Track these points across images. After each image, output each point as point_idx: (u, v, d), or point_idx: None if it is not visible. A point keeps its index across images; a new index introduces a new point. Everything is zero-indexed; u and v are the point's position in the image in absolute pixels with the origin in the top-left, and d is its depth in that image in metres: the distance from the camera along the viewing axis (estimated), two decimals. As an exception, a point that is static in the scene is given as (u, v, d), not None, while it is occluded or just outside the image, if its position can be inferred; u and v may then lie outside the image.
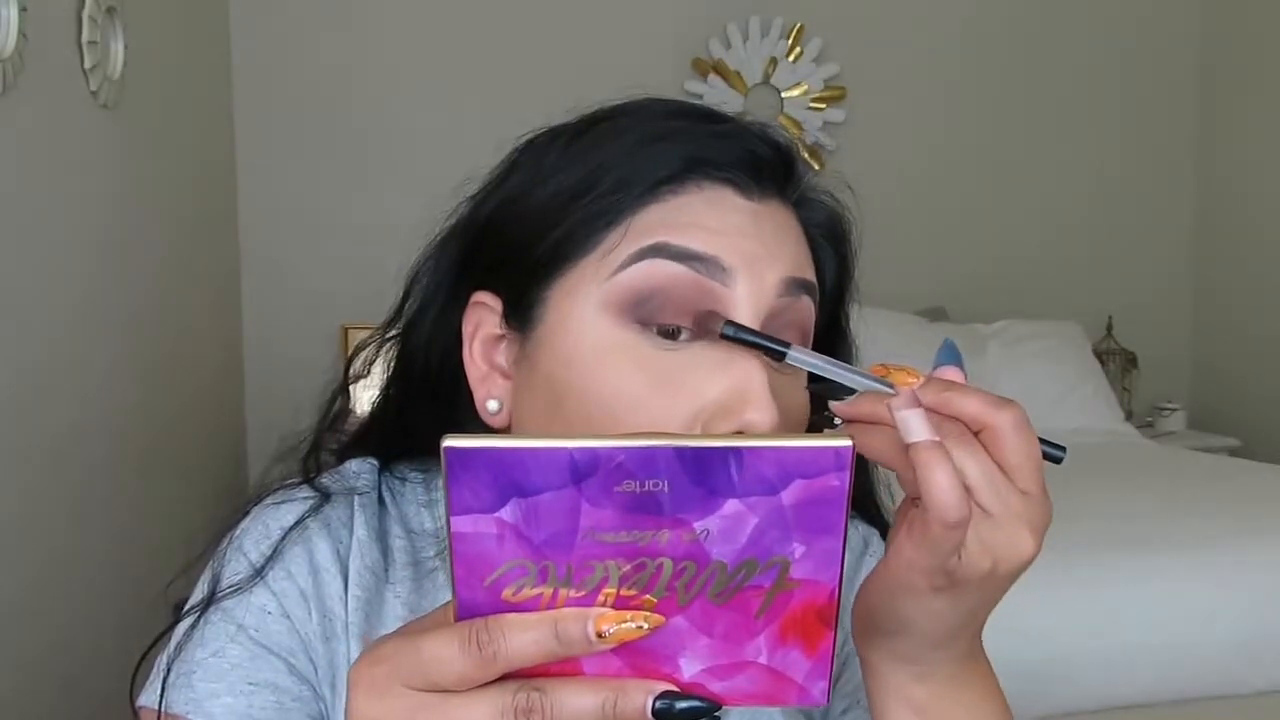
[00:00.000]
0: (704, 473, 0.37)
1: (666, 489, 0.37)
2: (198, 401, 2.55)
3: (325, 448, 0.68)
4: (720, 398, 0.55)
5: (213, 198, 2.78)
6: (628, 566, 0.38)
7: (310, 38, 2.98)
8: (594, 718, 0.38)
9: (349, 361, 0.69)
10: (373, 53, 3.02)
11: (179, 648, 0.59)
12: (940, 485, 0.44)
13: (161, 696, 0.58)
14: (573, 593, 0.38)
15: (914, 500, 0.47)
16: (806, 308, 0.59)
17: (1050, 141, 3.51)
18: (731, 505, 0.37)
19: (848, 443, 0.37)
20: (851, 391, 0.51)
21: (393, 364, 0.68)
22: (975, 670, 0.53)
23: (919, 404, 0.46)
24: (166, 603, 1.04)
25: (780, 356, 0.53)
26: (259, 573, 0.60)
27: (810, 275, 0.60)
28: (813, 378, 0.52)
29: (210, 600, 0.59)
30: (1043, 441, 0.49)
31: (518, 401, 0.61)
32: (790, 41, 3.26)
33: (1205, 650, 1.82)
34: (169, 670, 0.58)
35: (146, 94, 2.13)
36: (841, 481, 0.37)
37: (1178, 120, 3.64)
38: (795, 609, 0.39)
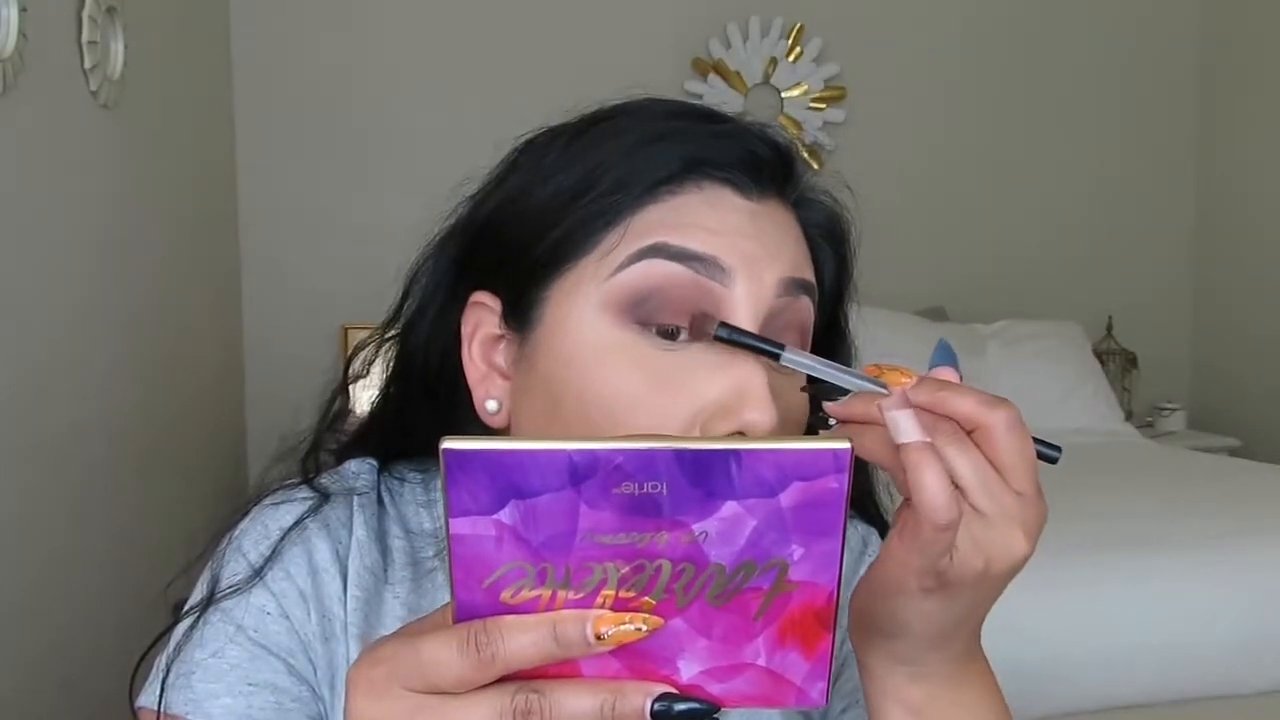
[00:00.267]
0: (702, 475, 0.37)
1: (665, 491, 0.37)
2: (198, 401, 2.55)
3: (325, 448, 0.68)
4: (720, 398, 0.55)
5: (213, 198, 2.78)
6: (626, 568, 0.38)
7: (310, 38, 2.98)
8: (592, 719, 0.38)
9: (348, 361, 0.69)
10: (373, 53, 3.02)
11: (178, 648, 0.59)
12: (930, 487, 0.44)
13: (161, 697, 0.58)
14: (571, 594, 0.38)
15: (906, 497, 0.47)
16: (805, 308, 0.59)
17: (1050, 141, 3.51)
18: (730, 507, 0.37)
19: (846, 445, 0.37)
20: (846, 392, 0.51)
21: (392, 364, 0.68)
22: (972, 670, 0.53)
23: (910, 405, 0.46)
24: (166, 603, 1.04)
25: (775, 358, 0.53)
26: (258, 573, 0.60)
27: (809, 275, 0.60)
28: (812, 380, 0.52)
29: (209, 601, 0.59)
30: (1037, 441, 0.49)
31: (517, 402, 0.61)
32: (790, 41, 3.26)
33: (1205, 650, 1.82)
34: (168, 671, 0.58)
35: (146, 94, 2.13)
36: (840, 484, 0.37)
37: (1178, 120, 3.64)
38: (794, 611, 0.39)
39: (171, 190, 2.37)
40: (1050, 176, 3.52)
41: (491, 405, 0.62)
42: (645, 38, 3.15)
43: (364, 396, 0.70)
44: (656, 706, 0.39)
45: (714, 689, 0.40)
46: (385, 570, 0.63)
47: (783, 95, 3.28)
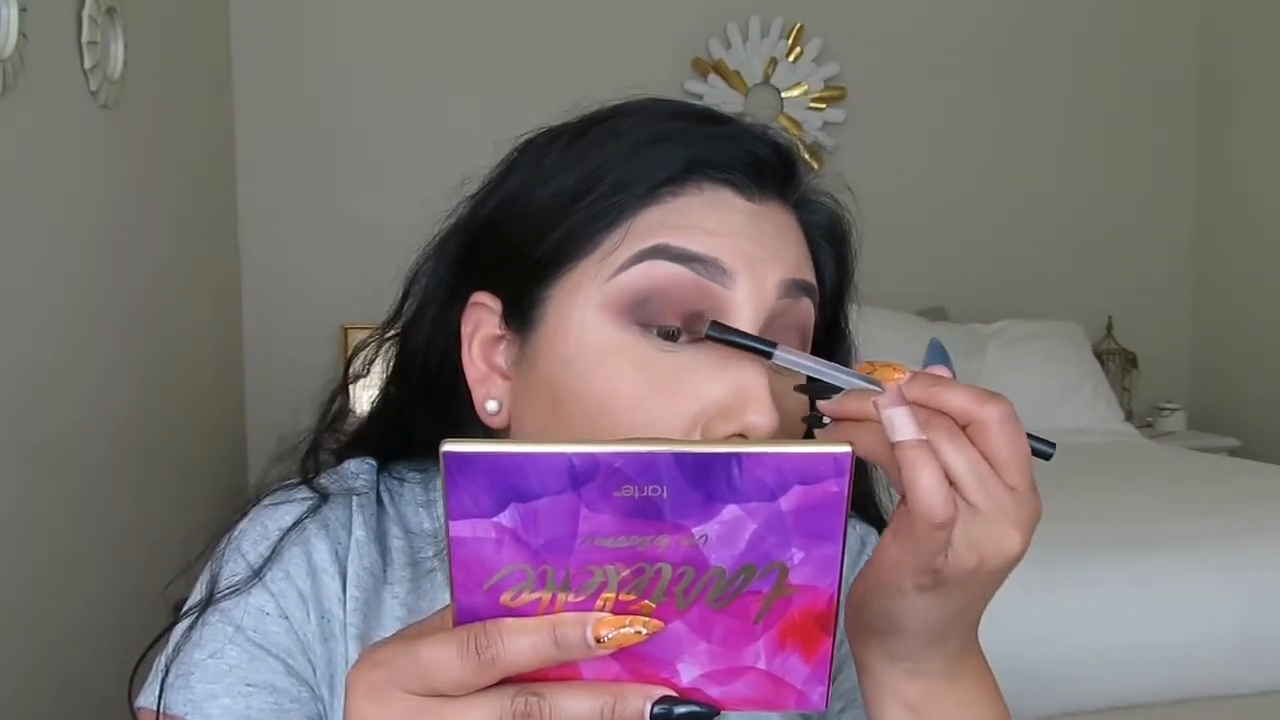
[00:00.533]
0: (703, 478, 0.37)
1: (665, 494, 0.37)
2: (198, 401, 2.55)
3: (325, 448, 0.68)
4: (721, 399, 0.55)
5: (213, 198, 2.78)
6: (626, 571, 0.38)
7: (310, 38, 2.98)
8: None
9: (349, 361, 0.69)
10: (372, 52, 3.02)
11: (177, 649, 0.59)
12: (924, 485, 0.44)
13: (160, 697, 0.58)
14: (571, 597, 0.38)
15: (901, 495, 0.47)
16: (806, 309, 0.59)
17: (1050, 141, 3.51)
18: (730, 511, 0.37)
19: (847, 449, 0.37)
20: (841, 391, 0.51)
21: (392, 364, 0.68)
22: (969, 667, 0.53)
23: (904, 401, 0.46)
24: (166, 603, 1.04)
25: (767, 357, 0.53)
26: (257, 574, 0.59)
27: (810, 277, 0.60)
28: (811, 380, 0.52)
29: (208, 601, 0.59)
30: (1031, 438, 0.48)
31: (517, 402, 0.61)
32: (790, 41, 3.26)
33: (1205, 650, 1.82)
34: (167, 671, 0.58)
35: (146, 94, 2.13)
36: (840, 487, 0.37)
37: (1178, 120, 3.64)
38: (794, 614, 0.39)
39: (171, 190, 2.37)
40: (1050, 176, 3.52)
41: (492, 406, 0.62)
42: (645, 38, 3.15)
43: (364, 396, 0.70)
44: (656, 709, 0.39)
45: (714, 692, 0.40)
46: (384, 571, 0.63)
47: (783, 95, 3.28)
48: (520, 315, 0.60)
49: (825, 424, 0.51)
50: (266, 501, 0.63)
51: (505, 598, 0.38)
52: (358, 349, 0.69)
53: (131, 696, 0.61)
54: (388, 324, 0.67)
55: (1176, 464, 2.67)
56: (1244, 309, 3.48)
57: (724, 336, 0.53)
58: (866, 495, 0.70)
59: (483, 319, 0.62)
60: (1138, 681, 1.80)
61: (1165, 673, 1.80)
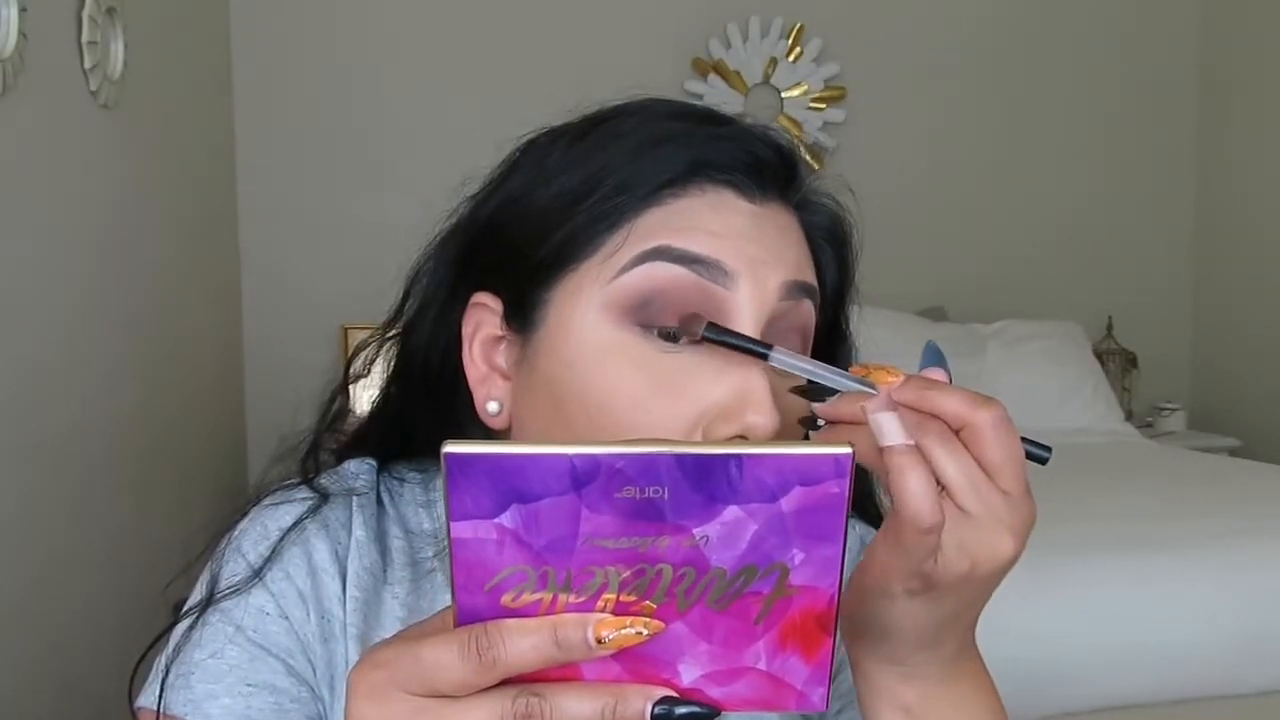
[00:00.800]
0: (704, 480, 0.37)
1: (666, 496, 0.37)
2: (198, 401, 2.55)
3: (325, 448, 0.68)
4: (722, 401, 0.55)
5: (213, 198, 2.78)
6: (627, 572, 0.38)
7: (310, 37, 2.98)
8: None
9: (349, 361, 0.69)
10: (372, 52, 3.02)
11: (177, 649, 0.59)
12: (912, 490, 0.44)
13: (160, 697, 0.58)
14: (572, 598, 0.38)
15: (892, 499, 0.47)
16: (807, 311, 0.59)
17: (1050, 141, 3.51)
18: (731, 512, 0.37)
19: (848, 450, 0.37)
20: (836, 393, 0.51)
21: (392, 364, 0.68)
22: (966, 670, 0.53)
23: (894, 406, 0.46)
24: (166, 603, 1.04)
25: (763, 358, 0.53)
26: (257, 574, 0.59)
27: (811, 278, 0.60)
28: (811, 383, 0.52)
29: (208, 601, 0.59)
30: (1026, 441, 0.48)
31: (518, 403, 0.61)
32: (790, 41, 3.26)
33: (1205, 650, 1.82)
34: (167, 671, 0.58)
35: (146, 94, 2.13)
36: (841, 489, 0.37)
37: (1178, 120, 3.64)
38: (794, 615, 0.39)
39: (171, 190, 2.37)
40: (1050, 176, 3.52)
41: (493, 406, 0.62)
42: (645, 38, 3.15)
43: (364, 396, 0.70)
44: (657, 710, 0.39)
45: (714, 692, 0.40)
46: (384, 571, 0.63)
47: (783, 95, 3.28)
48: (521, 316, 0.60)
49: (820, 426, 0.51)
50: (266, 501, 0.63)
51: (506, 599, 0.38)
52: (358, 349, 0.69)
53: (131, 696, 0.61)
54: (388, 324, 0.67)
55: (1176, 464, 2.67)
56: (1244, 309, 3.48)
57: (720, 338, 0.53)
58: (867, 496, 0.70)
59: (483, 319, 0.62)
60: (1137, 681, 1.80)
61: (1165, 673, 1.80)
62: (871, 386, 0.49)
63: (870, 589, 0.49)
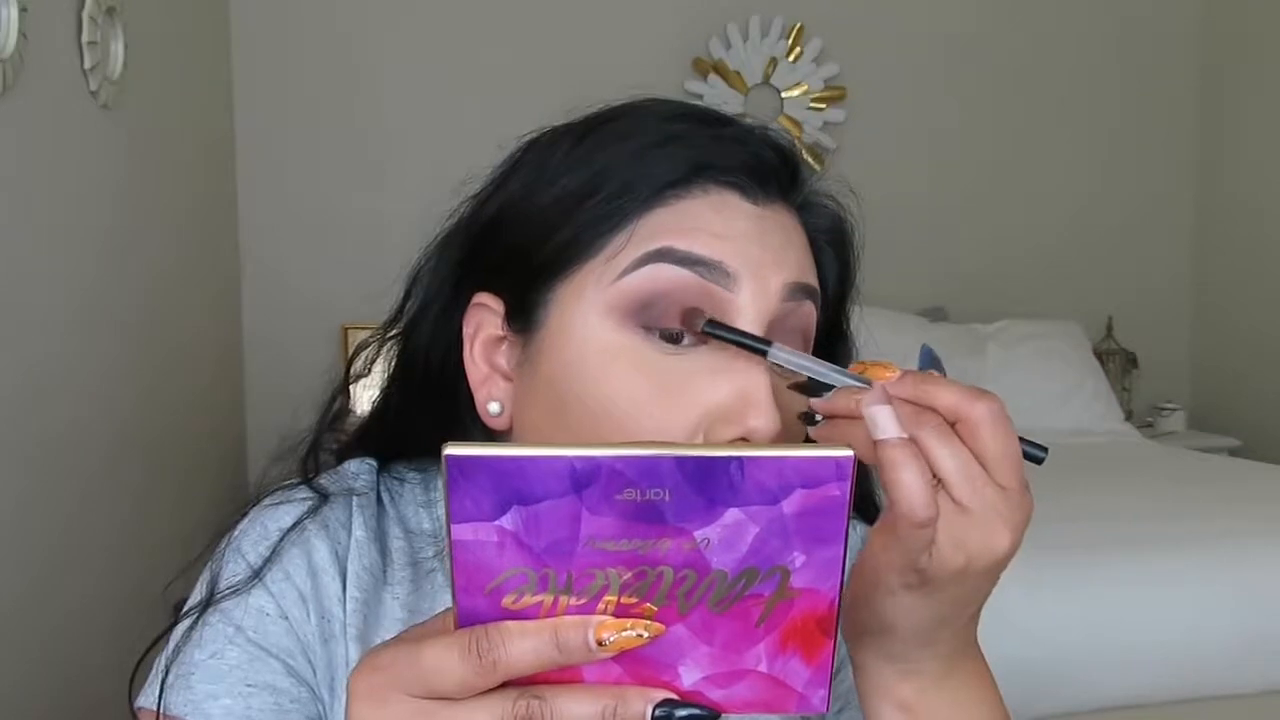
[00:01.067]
0: (705, 482, 0.37)
1: (667, 498, 0.37)
2: (198, 401, 2.55)
3: (325, 447, 0.68)
4: (723, 403, 0.55)
5: (213, 198, 2.78)
6: (628, 574, 0.38)
7: (311, 37, 2.98)
8: None
9: (350, 361, 0.69)
10: (373, 52, 3.02)
11: (177, 649, 0.59)
12: (907, 484, 0.44)
13: (160, 698, 0.58)
14: (573, 600, 0.38)
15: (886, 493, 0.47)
16: (809, 312, 0.59)
17: (1050, 141, 3.51)
18: (732, 515, 0.37)
19: (849, 453, 0.37)
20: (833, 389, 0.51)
21: (393, 364, 0.67)
22: (965, 668, 0.53)
23: (888, 400, 0.46)
24: (165, 604, 1.03)
25: (762, 354, 0.53)
26: (257, 574, 0.59)
27: (813, 280, 0.60)
28: (810, 379, 0.53)
29: (208, 602, 0.59)
30: (1023, 441, 0.48)
31: (519, 404, 0.61)
32: (790, 41, 3.26)
33: (1205, 650, 1.82)
34: (167, 672, 0.58)
35: (146, 94, 2.13)
36: (842, 491, 0.38)
37: (1178, 120, 3.64)
38: (795, 618, 0.39)
39: (171, 190, 2.37)
40: (1050, 176, 3.52)
41: (494, 407, 0.61)
42: (645, 38, 3.15)
43: (365, 396, 0.70)
44: (657, 712, 0.39)
45: (715, 695, 0.40)
46: (385, 571, 0.63)
47: (783, 95, 3.28)
48: (523, 317, 0.60)
49: (817, 421, 0.51)
50: (266, 502, 0.63)
51: (507, 601, 0.38)
52: (359, 348, 0.69)
53: (131, 697, 0.61)
54: (389, 324, 0.67)
55: (1176, 464, 2.67)
56: (1244, 309, 3.48)
57: (719, 333, 0.54)
58: (865, 496, 0.70)
59: (485, 320, 0.62)
60: (1137, 681, 1.80)
61: (1165, 672, 1.80)
62: (868, 382, 0.49)
63: (868, 584, 0.49)
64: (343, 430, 0.70)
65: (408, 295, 0.66)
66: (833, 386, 0.51)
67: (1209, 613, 1.84)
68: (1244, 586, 1.87)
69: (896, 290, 3.07)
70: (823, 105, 3.29)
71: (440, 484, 0.61)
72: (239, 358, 2.95)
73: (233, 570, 0.60)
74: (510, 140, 0.64)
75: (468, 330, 0.62)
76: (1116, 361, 3.42)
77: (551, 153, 0.61)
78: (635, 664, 0.39)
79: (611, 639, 0.38)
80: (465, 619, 0.38)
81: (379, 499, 0.66)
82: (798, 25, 3.26)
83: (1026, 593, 1.74)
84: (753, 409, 0.54)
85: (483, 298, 0.62)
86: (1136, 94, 3.57)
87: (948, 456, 0.46)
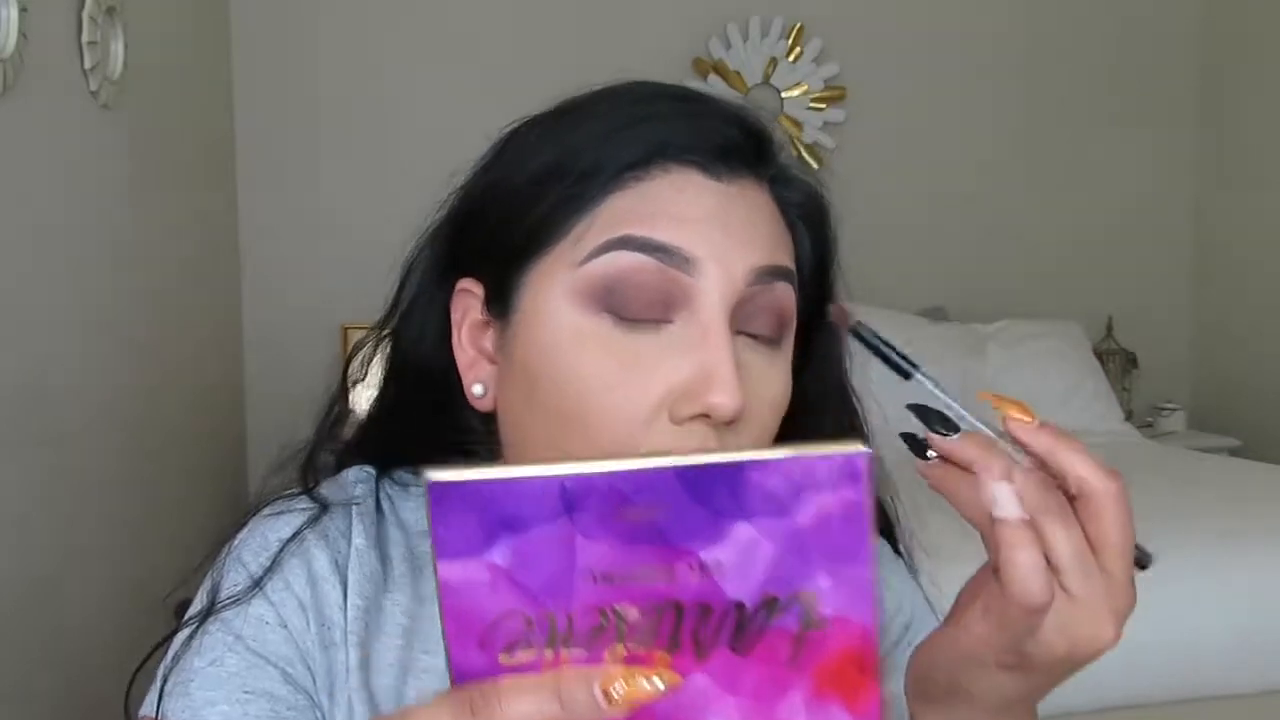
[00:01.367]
0: (706, 493, 0.34)
1: (667, 515, 0.34)
2: (197, 401, 2.55)
3: (326, 449, 0.68)
4: (685, 380, 0.54)
5: (213, 198, 2.78)
6: (635, 613, 0.34)
7: (311, 37, 2.98)
8: None
9: (346, 364, 0.69)
10: (373, 52, 3.02)
11: (176, 657, 0.59)
12: (1024, 566, 0.42)
13: (159, 705, 0.58)
14: (576, 651, 0.35)
15: (995, 570, 0.44)
16: (782, 293, 0.58)
17: (1050, 141, 3.51)
18: (742, 530, 0.34)
19: (864, 450, 0.34)
20: (942, 417, 0.47)
21: (388, 360, 0.68)
22: None
23: (1011, 478, 0.44)
24: (165, 607, 1.04)
25: (905, 375, 0.50)
26: (257, 584, 0.60)
27: (784, 259, 0.59)
28: (924, 410, 0.48)
29: (209, 611, 0.59)
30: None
31: (501, 386, 0.61)
32: (790, 41, 3.26)
33: (1205, 650, 1.82)
34: (165, 679, 0.58)
35: (146, 94, 2.13)
36: (858, 495, 0.34)
37: (1178, 119, 3.64)
38: (830, 656, 0.35)
39: (171, 190, 2.37)
40: (1050, 176, 3.51)
41: (478, 389, 0.62)
42: (645, 38, 3.15)
43: (364, 398, 0.70)
44: None
45: None
46: (385, 579, 0.63)
47: (783, 95, 3.28)
48: (501, 301, 0.60)
49: (929, 457, 0.47)
50: (266, 512, 0.63)
51: (503, 657, 0.35)
52: (355, 350, 0.69)
53: (129, 706, 0.61)
54: (384, 319, 0.67)
55: (1176, 464, 2.67)
56: (1244, 309, 3.48)
57: (868, 339, 0.51)
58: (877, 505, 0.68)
59: (470, 305, 0.62)
60: (1137, 681, 1.79)
61: (1165, 673, 1.80)
62: (999, 435, 0.46)
63: (961, 658, 0.47)
64: (341, 438, 0.70)
65: (402, 288, 0.66)
66: (954, 424, 0.47)
67: (1209, 613, 1.84)
68: (1244, 586, 1.87)
69: (896, 290, 3.07)
70: (823, 105, 3.29)
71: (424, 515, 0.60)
72: (239, 358, 2.95)
73: (233, 580, 0.60)
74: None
75: (455, 316, 0.63)
76: (1116, 361, 3.42)
77: (526, 138, 0.61)
78: None
79: (621, 692, 0.34)
80: (460, 675, 0.35)
81: (378, 506, 0.66)
82: (798, 25, 3.26)
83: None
84: (713, 385, 0.53)
85: (466, 283, 0.62)
86: (1136, 94, 3.57)
87: (1066, 543, 0.43)
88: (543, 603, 0.34)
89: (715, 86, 3.21)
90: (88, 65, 1.82)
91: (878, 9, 3.33)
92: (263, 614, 0.59)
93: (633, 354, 0.55)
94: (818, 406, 0.65)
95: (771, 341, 0.58)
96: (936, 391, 0.49)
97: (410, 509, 0.66)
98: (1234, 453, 3.19)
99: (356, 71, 3.00)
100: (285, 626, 0.59)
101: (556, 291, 0.57)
